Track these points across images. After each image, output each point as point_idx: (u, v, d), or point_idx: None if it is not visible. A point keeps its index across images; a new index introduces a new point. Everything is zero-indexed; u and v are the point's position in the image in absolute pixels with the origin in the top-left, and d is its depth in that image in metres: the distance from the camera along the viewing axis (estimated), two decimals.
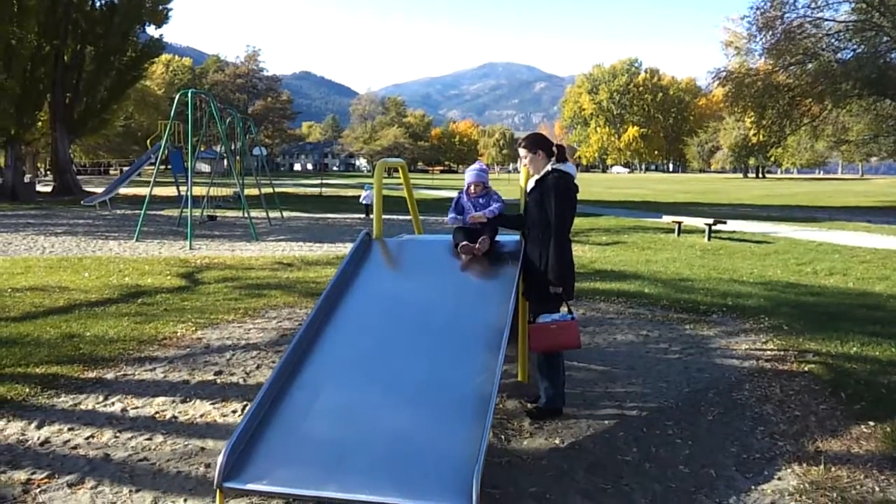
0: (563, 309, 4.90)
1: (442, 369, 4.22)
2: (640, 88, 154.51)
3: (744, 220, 23.15)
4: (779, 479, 4.03)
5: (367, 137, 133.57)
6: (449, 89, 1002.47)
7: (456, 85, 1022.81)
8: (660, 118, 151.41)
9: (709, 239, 16.65)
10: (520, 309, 5.39)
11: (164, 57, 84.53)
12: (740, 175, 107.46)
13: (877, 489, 3.89)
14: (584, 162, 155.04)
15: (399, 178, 8.94)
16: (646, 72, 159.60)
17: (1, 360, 6.16)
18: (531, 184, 5.04)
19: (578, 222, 5.09)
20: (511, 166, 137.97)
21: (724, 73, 34.21)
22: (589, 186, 53.01)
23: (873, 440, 4.56)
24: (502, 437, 4.65)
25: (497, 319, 4.54)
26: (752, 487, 3.92)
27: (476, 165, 5.54)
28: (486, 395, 3.90)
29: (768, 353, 6.68)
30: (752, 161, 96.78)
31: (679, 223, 18.31)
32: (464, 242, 5.20)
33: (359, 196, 25.50)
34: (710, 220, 17.36)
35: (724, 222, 18.12)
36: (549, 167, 4.92)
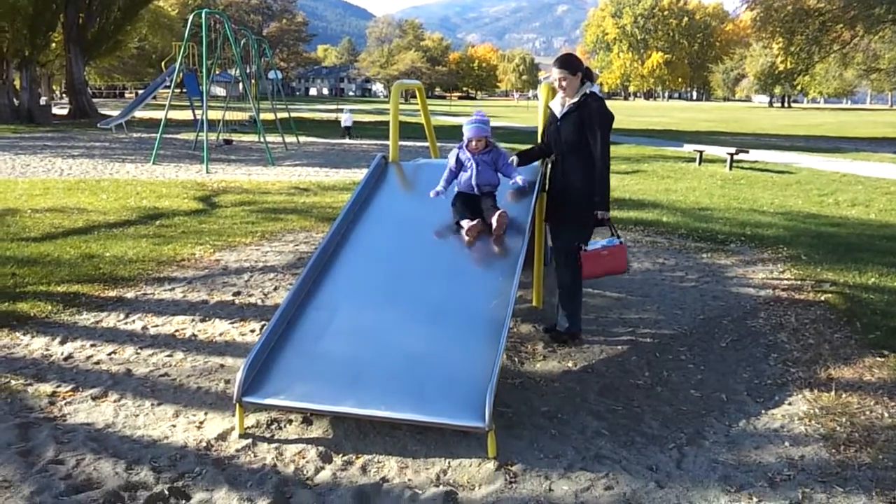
0: (596, 240, 4.79)
1: (456, 292, 4.24)
2: (665, 13, 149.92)
3: (767, 149, 22.77)
4: (789, 404, 4.06)
5: (383, 62, 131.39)
6: (468, 12, 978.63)
7: (475, 7, 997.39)
8: (684, 44, 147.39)
9: (730, 168, 16.44)
10: (536, 234, 5.36)
11: None
12: (765, 104, 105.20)
13: (886, 415, 3.91)
14: (605, 89, 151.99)
15: (416, 104, 8.81)
16: None
17: (24, 278, 6.26)
18: (565, 107, 4.77)
19: None
20: (531, 93, 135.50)
21: None
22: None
23: (886, 368, 4.57)
24: (515, 359, 4.70)
25: (512, 244, 4.55)
26: (763, 412, 3.96)
27: (475, 116, 4.94)
28: (501, 317, 3.94)
29: (785, 282, 6.66)
30: (777, 90, 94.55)
31: (700, 152, 18.05)
32: (467, 224, 4.63)
33: (375, 122, 25.22)
34: (733, 150, 17.09)
35: (747, 151, 17.83)
36: (586, 90, 4.71)
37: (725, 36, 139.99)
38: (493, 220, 4.58)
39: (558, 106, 4.85)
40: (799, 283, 6.61)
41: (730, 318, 5.60)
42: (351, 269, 4.56)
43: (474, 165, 4.81)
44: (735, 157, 16.95)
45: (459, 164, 4.90)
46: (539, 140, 5.15)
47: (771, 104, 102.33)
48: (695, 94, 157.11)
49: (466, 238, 4.60)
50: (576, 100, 4.71)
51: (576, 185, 4.74)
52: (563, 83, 4.73)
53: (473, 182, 4.79)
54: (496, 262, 4.43)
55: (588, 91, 4.70)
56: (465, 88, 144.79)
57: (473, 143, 4.84)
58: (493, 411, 3.35)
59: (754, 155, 19.27)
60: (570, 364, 4.65)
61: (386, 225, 4.98)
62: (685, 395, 4.19)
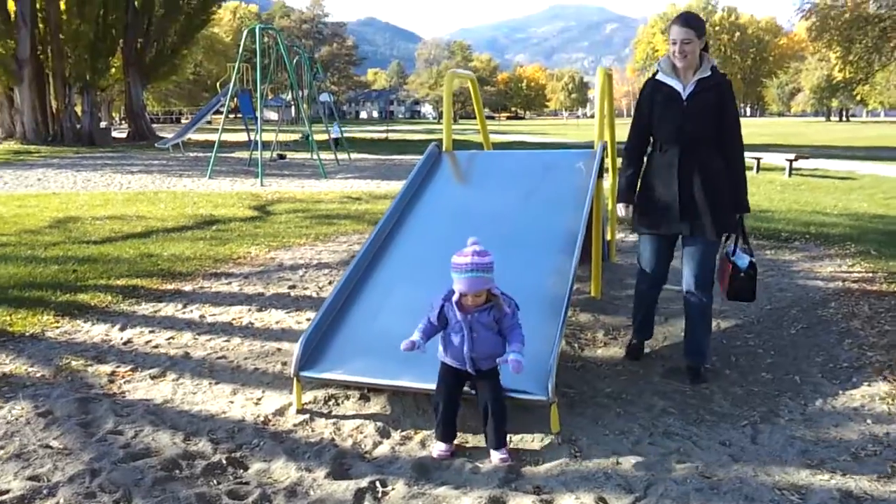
0: (740, 254, 4.05)
1: (515, 271, 4.12)
2: (717, 28, 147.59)
3: (826, 158, 22.13)
4: (868, 385, 3.84)
5: (432, 83, 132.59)
6: (516, 33, 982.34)
7: (523, 28, 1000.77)
8: (737, 59, 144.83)
9: (789, 175, 16.00)
10: (594, 224, 5.22)
11: (231, 3, 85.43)
12: (822, 118, 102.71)
13: None
14: None
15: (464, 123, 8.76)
16: (723, 11, 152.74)
17: (84, 274, 6.38)
18: (691, 82, 3.79)
19: None
20: (580, 111, 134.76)
21: (809, 6, 32.37)
22: None
23: None
24: (575, 345, 4.57)
25: (570, 226, 4.43)
26: (840, 392, 3.75)
27: (469, 257, 3.11)
28: (561, 295, 3.83)
29: (855, 274, 6.39)
30: (834, 103, 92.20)
31: (758, 160, 17.63)
32: (439, 451, 3.13)
33: (425, 140, 25.32)
34: (792, 156, 16.64)
35: (806, 157, 17.35)
36: (712, 61, 3.83)
37: (779, 50, 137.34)
38: (492, 457, 3.08)
39: (675, 81, 3.83)
40: (870, 275, 6.33)
41: (798, 308, 5.37)
42: (406, 251, 4.51)
43: (466, 331, 3.12)
44: (794, 165, 16.49)
45: (444, 322, 3.22)
46: (630, 137, 4.07)
47: (828, 118, 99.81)
48: (748, 110, 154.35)
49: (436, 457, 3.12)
50: (707, 74, 3.78)
51: (716, 185, 3.79)
52: (687, 48, 3.71)
53: (467, 354, 3.13)
54: (555, 242, 4.31)
55: (713, 63, 3.85)
56: (513, 108, 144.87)
57: (469, 298, 3.12)
58: (555, 391, 3.24)
59: (813, 164, 18.75)
60: None
61: (440, 210, 4.92)
62: (756, 377, 4.01)
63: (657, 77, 3.94)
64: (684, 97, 3.79)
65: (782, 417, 3.45)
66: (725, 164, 3.83)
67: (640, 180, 4.08)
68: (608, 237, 6.69)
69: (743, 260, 3.98)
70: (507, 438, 3.15)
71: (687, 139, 3.78)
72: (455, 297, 3.14)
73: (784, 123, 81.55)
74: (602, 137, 5.26)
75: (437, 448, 3.15)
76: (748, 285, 4.00)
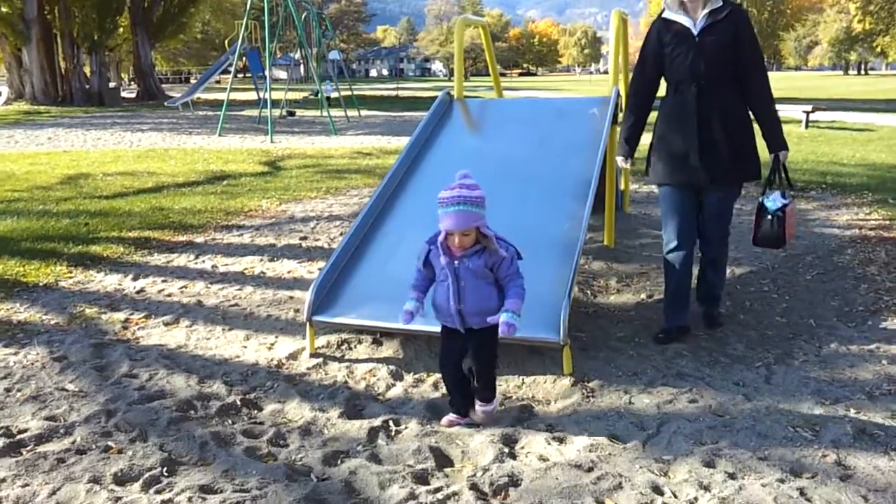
0: (769, 195, 3.77)
1: (528, 215, 4.11)
2: None
3: (844, 111, 21.76)
4: (884, 327, 3.81)
5: (443, 39, 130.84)
6: None
7: None
8: (754, 13, 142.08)
9: (806, 127, 15.74)
10: (608, 173, 5.15)
11: None
12: (840, 72, 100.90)
13: None
14: None
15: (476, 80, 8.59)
16: None
17: (96, 227, 6.40)
18: (702, 16, 3.47)
19: None
20: (593, 67, 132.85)
21: None
22: None
23: None
24: (588, 292, 4.55)
25: (584, 172, 4.37)
26: (855, 334, 3.73)
27: (455, 190, 2.70)
28: (574, 239, 3.79)
29: (872, 222, 6.31)
30: (853, 56, 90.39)
31: None
32: (447, 420, 2.91)
33: (434, 98, 25.09)
34: (808, 108, 16.36)
35: (823, 109, 17.05)
36: None
37: (797, 2, 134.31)
38: (477, 411, 2.91)
39: (684, 17, 3.51)
40: (887, 223, 6.25)
41: (814, 255, 5.32)
42: (418, 198, 4.47)
43: (451, 279, 2.73)
44: (811, 118, 16.22)
45: (431, 270, 2.86)
46: (634, 83, 3.82)
47: (846, 72, 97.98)
48: (765, 63, 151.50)
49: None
50: (719, 5, 3.46)
51: (737, 128, 3.53)
52: None
53: (453, 308, 2.74)
54: (568, 187, 4.27)
55: None
56: (525, 65, 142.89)
57: (457, 238, 2.70)
58: (567, 334, 3.23)
59: (830, 116, 18.44)
60: (643, 296, 4.48)
61: (453, 158, 4.86)
62: (770, 321, 3.98)
63: (664, 15, 3.60)
64: (696, 33, 3.47)
65: (797, 359, 3.44)
66: (750, 103, 3.58)
67: (653, 128, 3.80)
68: (622, 187, 6.62)
69: (774, 202, 3.66)
70: (496, 392, 2.92)
71: (703, 79, 3.46)
72: (441, 238, 2.72)
73: (801, 77, 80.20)
74: (616, 83, 5.16)
75: (447, 416, 2.93)
76: (774, 230, 3.63)
